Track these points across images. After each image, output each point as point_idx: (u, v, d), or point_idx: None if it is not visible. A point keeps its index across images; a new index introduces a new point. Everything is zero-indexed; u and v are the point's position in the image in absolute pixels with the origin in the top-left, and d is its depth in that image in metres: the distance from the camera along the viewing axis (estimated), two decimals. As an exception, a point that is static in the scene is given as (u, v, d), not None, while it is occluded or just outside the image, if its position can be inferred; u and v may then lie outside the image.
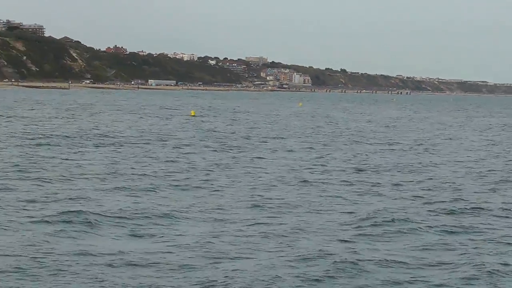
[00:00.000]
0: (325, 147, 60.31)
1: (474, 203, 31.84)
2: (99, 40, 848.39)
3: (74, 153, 48.49)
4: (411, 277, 20.07)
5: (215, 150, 54.41)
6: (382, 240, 24.35)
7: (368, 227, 26.30)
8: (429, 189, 36.00)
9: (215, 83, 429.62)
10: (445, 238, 24.97)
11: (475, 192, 35.65)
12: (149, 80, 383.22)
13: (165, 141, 61.17)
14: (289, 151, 55.77)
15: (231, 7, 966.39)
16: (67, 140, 57.52)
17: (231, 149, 55.71)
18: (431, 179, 40.37)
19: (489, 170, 45.68)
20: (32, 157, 44.82)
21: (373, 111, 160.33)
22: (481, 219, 28.57)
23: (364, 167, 45.24)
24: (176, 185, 34.94)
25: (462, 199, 32.79)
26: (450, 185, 37.74)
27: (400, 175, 42.02)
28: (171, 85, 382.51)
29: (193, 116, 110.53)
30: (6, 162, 41.42)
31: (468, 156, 55.97)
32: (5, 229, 24.18)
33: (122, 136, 64.58)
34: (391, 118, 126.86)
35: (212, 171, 41.36)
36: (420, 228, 26.26)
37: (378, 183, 38.22)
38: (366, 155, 53.96)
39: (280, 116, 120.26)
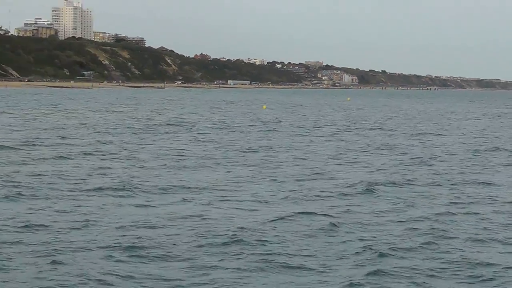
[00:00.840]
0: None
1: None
2: (188, 49, 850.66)
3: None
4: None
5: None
6: None
7: None
8: None
9: (281, 83, 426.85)
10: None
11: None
12: (229, 81, 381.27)
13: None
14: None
15: (296, 24, 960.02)
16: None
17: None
18: None
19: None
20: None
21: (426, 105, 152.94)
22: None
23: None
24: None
25: None
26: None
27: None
28: (246, 85, 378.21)
29: (265, 109, 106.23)
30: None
31: None
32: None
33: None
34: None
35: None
36: None
37: None
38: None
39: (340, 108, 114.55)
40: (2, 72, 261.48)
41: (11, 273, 15.24)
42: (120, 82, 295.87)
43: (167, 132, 54.16)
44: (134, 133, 52.39)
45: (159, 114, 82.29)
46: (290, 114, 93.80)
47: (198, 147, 42.53)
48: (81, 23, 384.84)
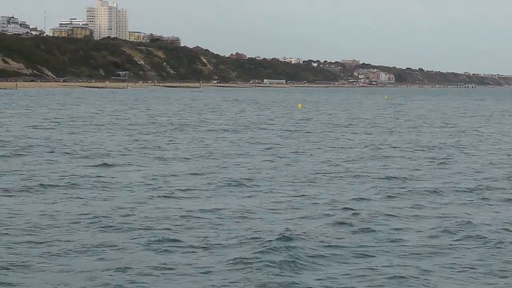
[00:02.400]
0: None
1: None
2: (224, 48, 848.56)
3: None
4: None
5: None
6: None
7: None
8: None
9: (317, 81, 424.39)
10: None
11: None
12: (264, 80, 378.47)
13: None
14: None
15: (332, 22, 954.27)
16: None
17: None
18: None
19: None
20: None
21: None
22: None
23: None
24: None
25: None
26: None
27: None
28: (281, 84, 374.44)
29: (300, 108, 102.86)
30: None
31: None
32: None
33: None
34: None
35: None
36: None
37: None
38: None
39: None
40: (38, 72, 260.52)
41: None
42: (155, 82, 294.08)
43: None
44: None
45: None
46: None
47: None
48: (116, 23, 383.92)
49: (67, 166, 30.52)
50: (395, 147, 42.41)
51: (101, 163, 31.69)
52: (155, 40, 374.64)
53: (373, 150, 40.38)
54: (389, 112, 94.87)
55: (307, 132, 54.24)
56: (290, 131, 55.13)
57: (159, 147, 40.20)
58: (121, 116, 72.86)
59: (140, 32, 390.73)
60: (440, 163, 34.10)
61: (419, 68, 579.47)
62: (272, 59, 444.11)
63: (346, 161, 34.53)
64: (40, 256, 15.86)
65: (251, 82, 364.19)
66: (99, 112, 79.57)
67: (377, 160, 35.20)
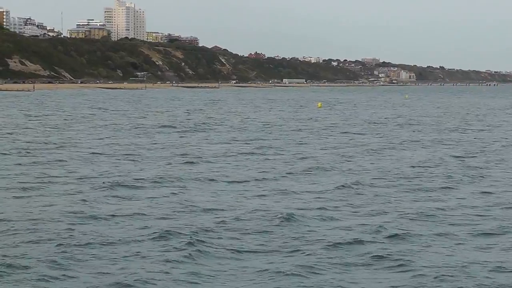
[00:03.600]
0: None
1: None
2: (242, 47, 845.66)
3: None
4: None
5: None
6: None
7: None
8: None
9: (337, 80, 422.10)
10: None
11: None
12: (284, 79, 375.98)
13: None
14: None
15: (352, 21, 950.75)
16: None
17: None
18: None
19: None
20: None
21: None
22: None
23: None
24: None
25: None
26: None
27: None
28: (301, 83, 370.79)
29: (320, 107, 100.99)
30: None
31: None
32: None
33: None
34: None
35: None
36: None
37: None
38: None
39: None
40: (55, 74, 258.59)
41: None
42: (173, 82, 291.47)
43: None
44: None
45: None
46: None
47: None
48: (134, 24, 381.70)
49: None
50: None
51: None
52: (173, 40, 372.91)
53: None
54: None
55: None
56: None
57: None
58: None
59: (158, 33, 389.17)
60: None
61: (440, 66, 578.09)
62: (292, 58, 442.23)
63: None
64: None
65: (270, 82, 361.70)
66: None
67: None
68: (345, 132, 53.16)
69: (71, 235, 17.34)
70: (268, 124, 61.50)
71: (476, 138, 48.67)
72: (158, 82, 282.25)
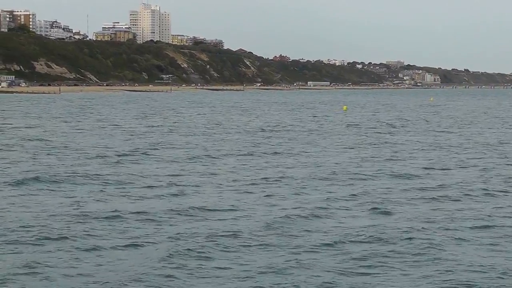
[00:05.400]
0: None
1: None
2: (267, 50, 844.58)
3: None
4: None
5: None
6: None
7: None
8: None
9: (361, 83, 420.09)
10: None
11: None
12: (308, 82, 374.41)
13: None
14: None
15: (375, 21, 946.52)
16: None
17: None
18: None
19: None
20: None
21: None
22: None
23: None
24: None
25: None
26: None
27: None
28: (326, 86, 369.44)
29: (345, 110, 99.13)
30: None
31: None
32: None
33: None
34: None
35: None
36: None
37: None
38: None
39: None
40: (81, 77, 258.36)
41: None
42: (198, 85, 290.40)
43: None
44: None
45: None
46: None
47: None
48: (159, 26, 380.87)
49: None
50: None
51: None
52: (198, 43, 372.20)
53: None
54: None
55: None
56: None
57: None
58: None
59: (183, 35, 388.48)
60: None
61: (464, 69, 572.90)
62: (316, 61, 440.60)
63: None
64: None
65: (295, 84, 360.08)
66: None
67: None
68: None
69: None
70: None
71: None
72: (183, 85, 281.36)
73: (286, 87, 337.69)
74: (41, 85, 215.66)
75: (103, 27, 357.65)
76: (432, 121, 72.81)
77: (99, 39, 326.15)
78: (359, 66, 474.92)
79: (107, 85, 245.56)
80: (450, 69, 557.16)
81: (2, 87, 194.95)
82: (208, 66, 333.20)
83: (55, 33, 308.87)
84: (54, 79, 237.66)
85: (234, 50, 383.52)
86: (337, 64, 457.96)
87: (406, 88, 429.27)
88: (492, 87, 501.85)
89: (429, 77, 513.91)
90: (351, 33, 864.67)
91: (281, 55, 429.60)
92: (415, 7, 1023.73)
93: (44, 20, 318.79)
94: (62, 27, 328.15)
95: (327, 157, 35.52)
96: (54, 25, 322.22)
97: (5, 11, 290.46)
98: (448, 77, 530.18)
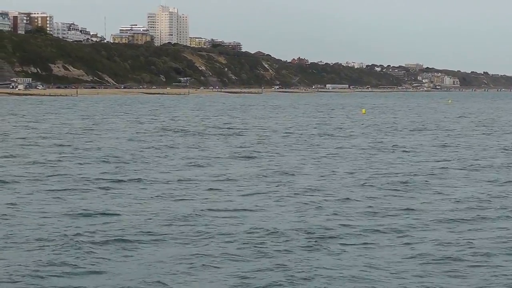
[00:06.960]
0: None
1: None
2: (286, 53, 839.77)
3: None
4: None
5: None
6: None
7: None
8: None
9: (380, 86, 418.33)
10: None
11: None
12: (327, 85, 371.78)
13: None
14: None
15: (395, 26, 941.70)
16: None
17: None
18: None
19: None
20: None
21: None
22: None
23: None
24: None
25: None
26: None
27: None
28: (344, 88, 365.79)
29: (364, 113, 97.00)
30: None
31: None
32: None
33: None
34: None
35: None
36: None
37: None
38: None
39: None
40: (98, 79, 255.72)
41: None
42: (216, 87, 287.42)
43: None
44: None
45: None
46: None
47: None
48: (177, 29, 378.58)
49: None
50: None
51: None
52: (216, 46, 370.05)
53: None
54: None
55: None
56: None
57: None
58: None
59: (201, 38, 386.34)
60: None
61: (484, 72, 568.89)
62: (335, 63, 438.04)
63: None
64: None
65: (313, 87, 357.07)
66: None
67: None
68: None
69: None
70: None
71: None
72: (201, 88, 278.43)
73: (305, 90, 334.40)
74: (58, 87, 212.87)
75: (120, 30, 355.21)
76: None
77: (117, 42, 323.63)
78: (378, 69, 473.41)
79: (124, 88, 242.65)
80: (469, 72, 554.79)
81: (18, 89, 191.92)
82: (226, 69, 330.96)
83: (72, 36, 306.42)
84: (71, 81, 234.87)
85: (252, 52, 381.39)
86: (355, 67, 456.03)
87: (425, 91, 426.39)
88: (511, 90, 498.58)
89: (448, 80, 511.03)
90: (370, 35, 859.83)
91: (299, 57, 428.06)
92: (435, 10, 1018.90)
93: (61, 23, 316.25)
94: (80, 29, 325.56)
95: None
96: (71, 27, 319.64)
97: (22, 13, 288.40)
98: (467, 80, 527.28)
